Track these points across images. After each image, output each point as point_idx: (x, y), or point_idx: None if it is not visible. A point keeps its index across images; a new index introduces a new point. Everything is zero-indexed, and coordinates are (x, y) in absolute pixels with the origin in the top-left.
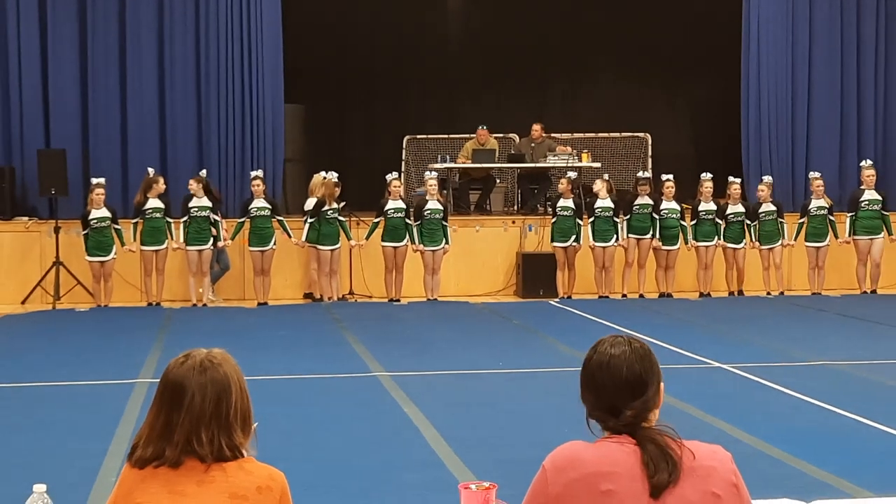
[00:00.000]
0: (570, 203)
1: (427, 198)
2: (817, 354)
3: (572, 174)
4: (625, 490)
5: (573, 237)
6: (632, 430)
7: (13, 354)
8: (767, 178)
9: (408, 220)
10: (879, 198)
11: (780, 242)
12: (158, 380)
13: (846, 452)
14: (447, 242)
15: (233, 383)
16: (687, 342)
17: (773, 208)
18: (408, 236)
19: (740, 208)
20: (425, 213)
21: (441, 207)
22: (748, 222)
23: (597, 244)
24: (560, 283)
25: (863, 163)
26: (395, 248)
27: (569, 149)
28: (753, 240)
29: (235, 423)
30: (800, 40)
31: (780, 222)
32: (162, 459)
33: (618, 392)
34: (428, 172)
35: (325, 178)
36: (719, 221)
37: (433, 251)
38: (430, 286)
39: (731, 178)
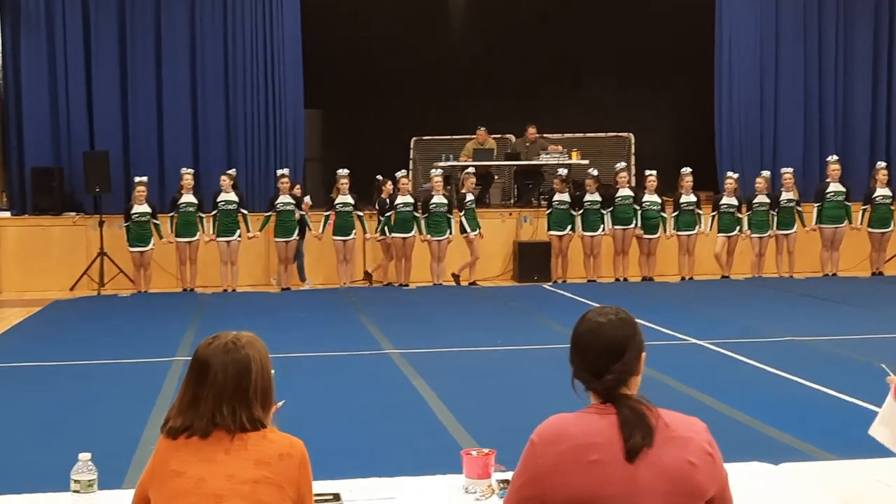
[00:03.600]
0: (565, 197)
1: (433, 192)
2: (785, 331)
3: (563, 171)
4: (607, 458)
5: (568, 227)
6: (612, 394)
7: (63, 335)
8: (765, 173)
9: (416, 214)
10: (844, 190)
11: (768, 233)
12: None
13: (811, 419)
14: (451, 233)
15: (254, 363)
16: (666, 321)
17: (767, 201)
18: (415, 227)
19: (734, 200)
20: (431, 206)
21: (445, 201)
22: (738, 215)
23: (585, 234)
24: (554, 268)
25: (829, 158)
26: (403, 238)
27: (560, 147)
28: (745, 229)
29: (255, 400)
30: (767, 48)
31: (772, 214)
32: (192, 430)
33: (601, 356)
34: (434, 170)
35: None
36: (699, 212)
37: (439, 241)
38: (436, 272)
39: (728, 174)
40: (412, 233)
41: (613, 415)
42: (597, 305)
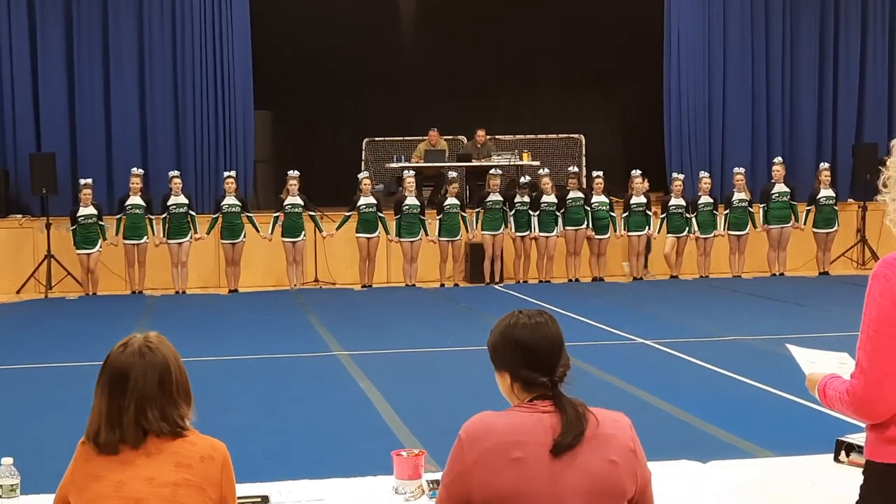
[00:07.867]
0: (524, 198)
1: (406, 194)
2: (731, 330)
3: (525, 178)
4: (532, 456)
5: (528, 229)
6: (557, 389)
7: (9, 339)
8: (704, 174)
9: (380, 214)
10: (788, 190)
11: (713, 233)
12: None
13: (752, 417)
14: (426, 234)
15: (171, 363)
16: (614, 321)
17: (711, 201)
18: (380, 228)
19: (682, 201)
20: (404, 207)
21: (418, 203)
22: (687, 215)
23: (540, 235)
24: (513, 268)
25: (775, 159)
26: (367, 238)
27: (486, 141)
28: (694, 230)
29: (179, 398)
30: (715, 51)
31: (715, 214)
32: (125, 442)
33: (550, 353)
34: (407, 172)
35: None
36: (650, 213)
37: (412, 242)
38: (408, 273)
39: (675, 175)
40: (376, 233)
41: (541, 412)
42: (515, 309)
